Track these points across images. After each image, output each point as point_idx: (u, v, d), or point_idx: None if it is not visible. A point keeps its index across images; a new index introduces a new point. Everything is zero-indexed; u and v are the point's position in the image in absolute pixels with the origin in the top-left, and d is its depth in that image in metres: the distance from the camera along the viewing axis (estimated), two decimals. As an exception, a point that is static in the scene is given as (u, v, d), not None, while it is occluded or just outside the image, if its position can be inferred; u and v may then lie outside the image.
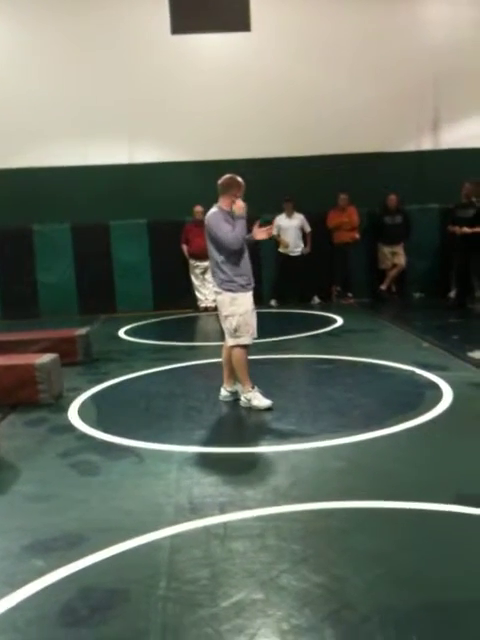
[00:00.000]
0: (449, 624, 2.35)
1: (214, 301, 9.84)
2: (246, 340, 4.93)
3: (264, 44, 10.31)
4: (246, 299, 4.90)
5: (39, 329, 7.45)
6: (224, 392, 5.20)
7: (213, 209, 4.93)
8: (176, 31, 10.21)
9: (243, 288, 4.89)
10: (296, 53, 10.31)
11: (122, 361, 6.87)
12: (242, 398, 5.00)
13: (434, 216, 10.32)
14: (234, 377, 5.13)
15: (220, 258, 4.83)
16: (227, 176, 4.96)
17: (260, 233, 4.95)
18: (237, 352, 4.94)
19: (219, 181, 4.93)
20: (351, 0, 10.31)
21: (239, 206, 4.80)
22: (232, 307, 4.87)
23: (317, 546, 2.93)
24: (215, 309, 9.71)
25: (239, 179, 4.92)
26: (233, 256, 4.81)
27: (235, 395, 5.20)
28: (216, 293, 4.98)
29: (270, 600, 2.51)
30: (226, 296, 4.88)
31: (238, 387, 5.17)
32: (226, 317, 4.90)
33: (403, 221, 10.15)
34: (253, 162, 10.05)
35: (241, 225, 4.79)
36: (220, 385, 5.24)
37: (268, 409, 4.90)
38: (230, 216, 4.82)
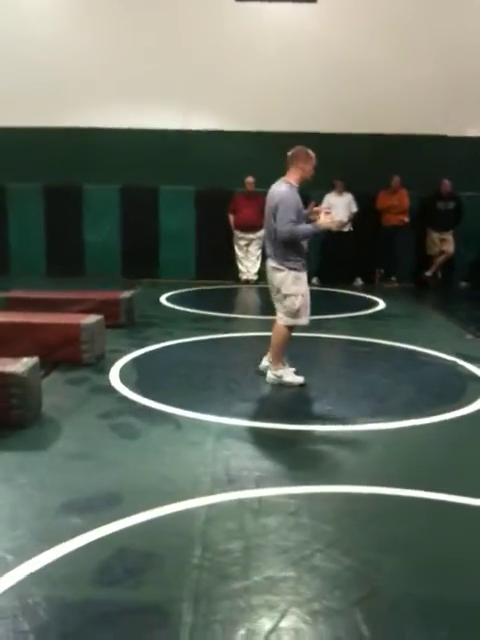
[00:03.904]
0: (475, 621, 2.34)
1: (256, 274, 10.02)
2: (305, 321, 4.90)
3: (327, 17, 10.08)
4: (306, 279, 4.88)
5: (83, 289, 7.51)
6: (265, 363, 5.12)
7: (282, 185, 4.75)
8: (241, -2, 10.05)
9: (304, 267, 4.85)
10: (359, 28, 10.05)
11: (163, 327, 6.92)
12: (271, 374, 4.94)
13: (487, 205, 10.08)
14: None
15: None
16: (297, 147, 4.84)
17: (326, 222, 4.75)
18: (285, 330, 4.90)
19: (289, 152, 4.82)
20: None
21: (327, 222, 4.73)
22: (296, 286, 4.78)
23: (349, 529, 2.94)
24: (257, 282, 9.87)
25: (310, 152, 4.80)
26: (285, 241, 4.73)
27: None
28: (275, 269, 4.80)
29: (302, 579, 2.54)
30: (290, 274, 4.76)
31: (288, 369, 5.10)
32: (287, 296, 4.78)
33: (455, 208, 9.94)
34: (306, 135, 9.84)
35: (304, 223, 4.74)
36: (258, 359, 5.21)
37: (301, 386, 4.90)
38: (298, 193, 4.72)
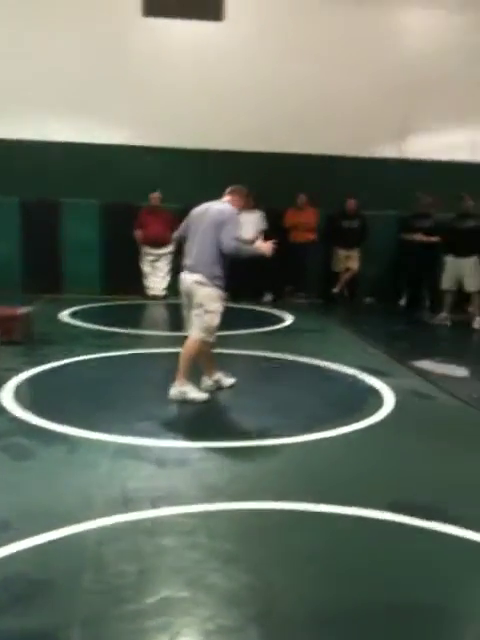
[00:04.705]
0: (373, 627, 2.35)
1: (164, 290, 9.93)
2: (213, 338, 4.96)
3: (236, 36, 10.17)
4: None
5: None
6: (208, 382, 5.14)
7: (226, 204, 4.92)
8: (148, 13, 10.01)
9: (224, 288, 4.92)
10: (267, 49, 10.21)
11: (63, 344, 6.68)
12: (174, 390, 4.87)
13: (390, 223, 10.39)
14: (213, 365, 5.17)
15: (217, 253, 4.77)
16: (241, 187, 5.13)
17: (264, 248, 4.99)
18: (199, 345, 4.89)
19: (232, 186, 5.10)
20: (327, 2, 10.29)
21: (264, 248, 4.97)
22: (217, 304, 4.84)
23: (249, 546, 2.90)
24: (165, 297, 9.78)
25: (247, 191, 5.18)
26: (228, 257, 4.82)
27: (218, 383, 5.18)
28: (199, 283, 4.79)
29: (196, 599, 2.47)
30: (214, 291, 4.82)
31: (220, 375, 5.19)
32: (208, 312, 4.79)
33: (360, 226, 10.21)
34: (213, 154, 9.98)
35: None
36: (162, 376, 5.14)
37: (205, 402, 4.86)
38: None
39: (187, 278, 4.90)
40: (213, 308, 4.81)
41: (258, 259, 4.68)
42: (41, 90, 9.79)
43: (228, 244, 4.71)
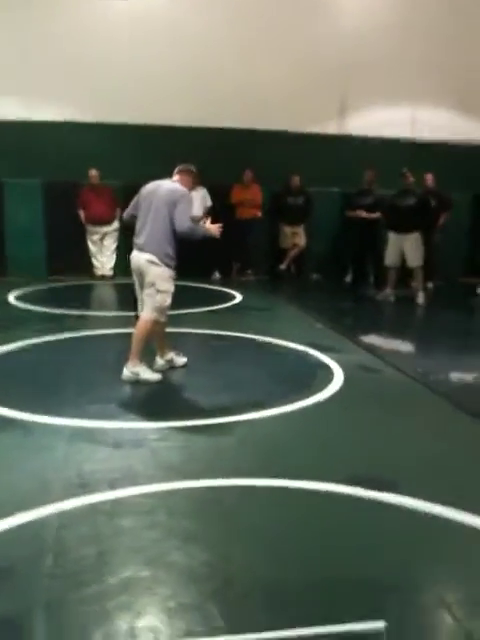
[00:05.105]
0: (331, 602, 2.43)
1: (112, 269, 9.82)
2: (165, 317, 4.98)
3: (182, 10, 10.04)
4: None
5: None
6: (160, 362, 5.16)
7: (177, 184, 4.89)
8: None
9: (175, 268, 4.91)
10: (213, 22, 10.09)
11: (11, 328, 6.54)
12: (127, 371, 4.87)
13: (335, 200, 10.53)
14: (166, 345, 5.19)
15: (169, 232, 4.76)
16: (190, 166, 5.09)
17: (213, 229, 4.97)
18: (151, 325, 4.90)
19: (181, 165, 5.05)
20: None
21: (213, 229, 4.95)
22: (168, 284, 4.84)
23: (206, 523, 2.96)
24: (113, 277, 9.68)
25: (194, 170, 5.12)
26: (180, 237, 4.81)
27: (171, 363, 5.21)
28: (152, 263, 4.76)
29: (157, 577, 2.52)
30: (166, 271, 4.82)
31: (172, 355, 5.22)
32: (159, 291, 4.80)
33: (305, 202, 10.30)
34: (157, 129, 9.83)
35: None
36: (114, 357, 5.14)
37: (158, 383, 4.89)
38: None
39: (139, 257, 4.87)
40: (165, 288, 4.82)
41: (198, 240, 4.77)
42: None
43: (182, 225, 4.71)
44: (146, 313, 4.88)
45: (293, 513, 3.08)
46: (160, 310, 4.87)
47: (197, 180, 5.14)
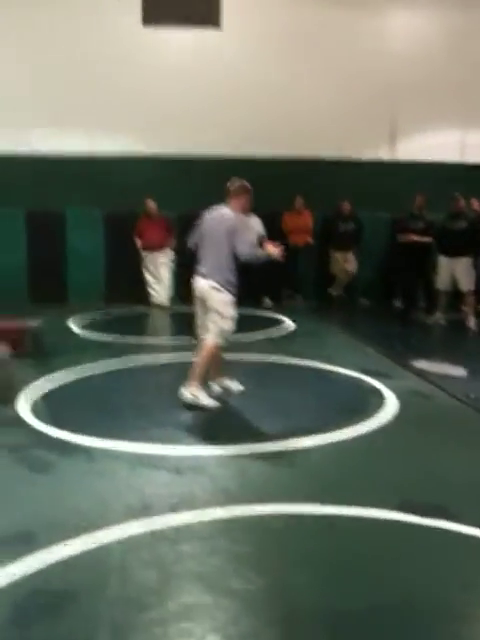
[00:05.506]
0: (392, 627, 2.45)
1: (168, 299, 9.97)
2: (226, 343, 5.13)
3: (232, 42, 10.32)
4: None
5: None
6: (216, 388, 5.31)
7: (228, 210, 4.99)
8: (147, 22, 10.13)
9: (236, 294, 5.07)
10: (262, 55, 10.36)
11: (74, 355, 6.73)
12: (187, 394, 4.98)
13: (384, 225, 10.54)
14: (220, 372, 5.32)
15: (230, 260, 4.92)
16: (239, 182, 5.09)
17: (275, 252, 4.98)
18: (215, 350, 5.03)
19: (230, 185, 5.08)
20: (321, 7, 10.41)
21: (275, 253, 4.95)
22: (231, 309, 4.99)
23: (265, 549, 3.00)
24: (169, 308, 9.79)
25: (248, 186, 5.11)
26: (239, 264, 4.96)
27: (226, 389, 5.35)
28: (215, 289, 4.93)
29: (218, 603, 2.57)
30: (228, 297, 4.97)
31: (227, 381, 5.35)
32: (223, 318, 4.95)
33: (355, 228, 10.34)
34: (211, 161, 10.08)
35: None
36: (172, 384, 5.24)
37: (215, 408, 4.99)
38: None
39: (202, 283, 5.03)
40: (228, 313, 4.96)
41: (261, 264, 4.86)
42: (40, 103, 9.94)
43: (243, 251, 4.87)
44: (210, 339, 5.01)
45: (348, 541, 3.10)
46: (224, 335, 5.00)
47: (251, 199, 5.16)
